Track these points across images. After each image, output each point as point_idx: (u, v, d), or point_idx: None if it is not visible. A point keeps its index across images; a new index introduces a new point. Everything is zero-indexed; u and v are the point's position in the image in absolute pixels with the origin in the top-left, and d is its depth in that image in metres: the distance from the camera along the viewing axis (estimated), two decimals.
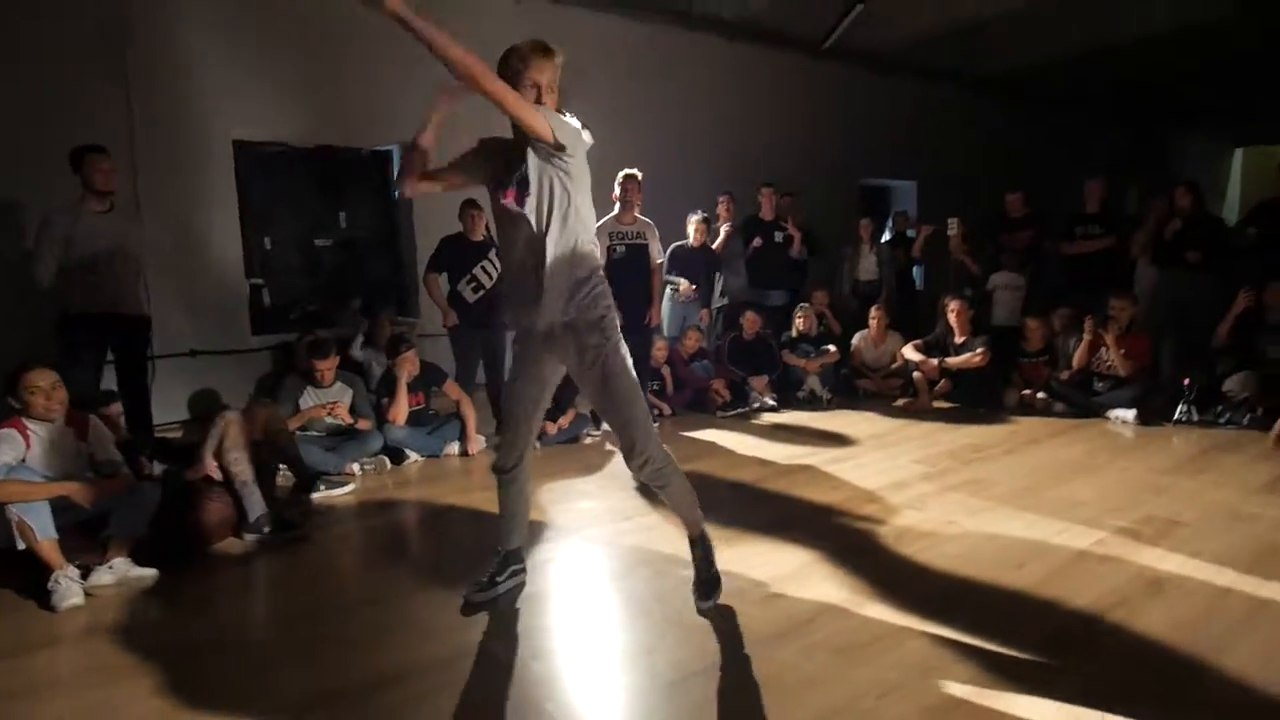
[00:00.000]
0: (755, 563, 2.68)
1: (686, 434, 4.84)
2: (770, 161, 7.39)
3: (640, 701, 1.90)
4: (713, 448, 4.52)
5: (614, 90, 6.64)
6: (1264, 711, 1.79)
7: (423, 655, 2.13)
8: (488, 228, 4.70)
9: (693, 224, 5.80)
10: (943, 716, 1.77)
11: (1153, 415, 4.82)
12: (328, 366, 4.08)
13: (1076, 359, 5.22)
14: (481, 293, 4.64)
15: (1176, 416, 4.79)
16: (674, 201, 6.07)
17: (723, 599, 2.36)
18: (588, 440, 4.70)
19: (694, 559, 2.38)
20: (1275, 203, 5.48)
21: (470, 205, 4.66)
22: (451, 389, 4.46)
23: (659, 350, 5.41)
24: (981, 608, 2.32)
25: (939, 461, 4.04)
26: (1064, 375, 5.29)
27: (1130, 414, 4.85)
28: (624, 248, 4.82)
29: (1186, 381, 4.87)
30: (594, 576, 2.70)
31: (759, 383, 5.63)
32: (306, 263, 5.85)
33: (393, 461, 4.12)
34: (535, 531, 3.12)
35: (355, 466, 3.98)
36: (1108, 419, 4.93)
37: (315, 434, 4.04)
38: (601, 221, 4.86)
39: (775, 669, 2.00)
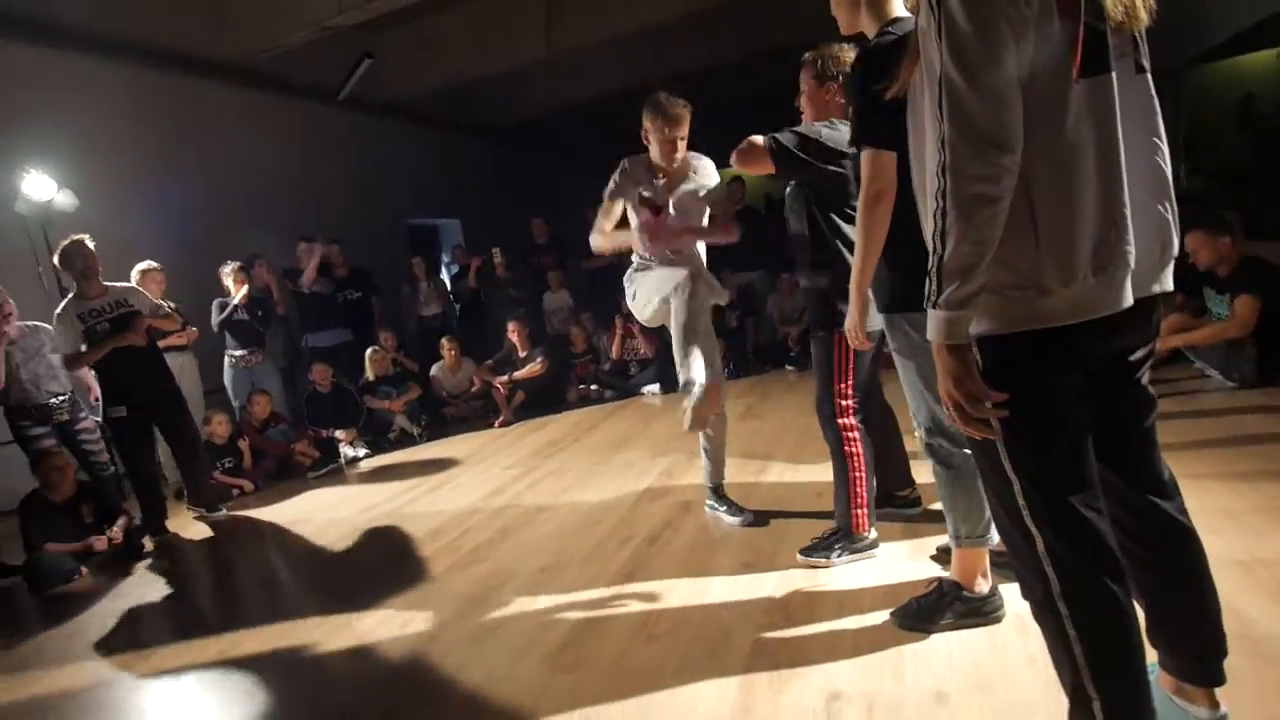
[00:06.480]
0: (388, 591, 2.80)
1: (277, 504, 4.54)
2: (317, 212, 7.21)
3: None
4: (311, 509, 4.34)
5: (120, 141, 5.74)
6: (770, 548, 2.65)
7: None
8: None
9: (228, 275, 5.41)
10: (590, 626, 2.23)
11: (670, 386, 6.23)
12: None
13: (614, 351, 6.44)
14: None
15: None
16: (210, 261, 5.57)
17: (359, 640, 2.44)
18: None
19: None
20: None
21: None
22: None
23: (220, 425, 4.92)
24: (581, 560, 2.85)
25: (526, 462, 4.60)
26: (606, 367, 6.46)
27: (656, 388, 6.20)
28: (109, 324, 3.93)
29: None
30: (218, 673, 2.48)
31: (346, 434, 5.53)
32: None
33: None
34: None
35: None
36: (643, 395, 6.19)
37: None
38: (64, 303, 3.92)
39: (439, 656, 2.19)
